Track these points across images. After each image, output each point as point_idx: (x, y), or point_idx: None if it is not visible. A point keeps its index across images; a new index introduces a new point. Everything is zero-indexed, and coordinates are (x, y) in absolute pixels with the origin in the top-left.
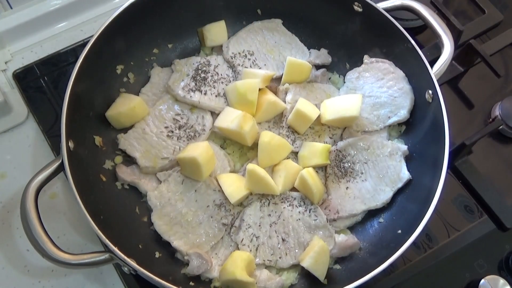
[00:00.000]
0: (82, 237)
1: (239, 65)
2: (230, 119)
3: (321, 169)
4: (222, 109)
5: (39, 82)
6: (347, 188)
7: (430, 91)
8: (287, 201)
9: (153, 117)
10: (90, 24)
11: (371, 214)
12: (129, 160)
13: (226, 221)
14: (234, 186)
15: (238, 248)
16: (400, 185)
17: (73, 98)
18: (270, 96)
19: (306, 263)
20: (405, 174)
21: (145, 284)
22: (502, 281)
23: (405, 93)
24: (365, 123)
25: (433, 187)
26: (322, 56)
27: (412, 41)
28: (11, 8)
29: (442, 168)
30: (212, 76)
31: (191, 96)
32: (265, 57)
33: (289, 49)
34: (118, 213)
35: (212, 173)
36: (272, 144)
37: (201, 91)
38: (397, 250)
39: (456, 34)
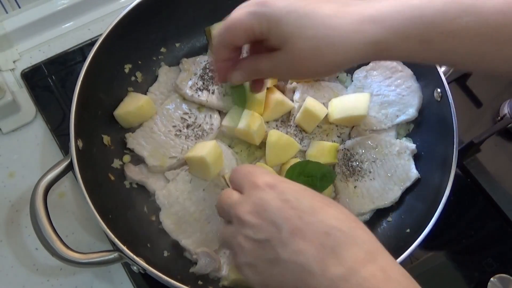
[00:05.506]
0: (91, 236)
1: None
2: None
3: None
4: (229, 108)
5: (47, 81)
6: (355, 187)
7: (438, 90)
8: None
9: (161, 116)
10: (98, 24)
11: (379, 213)
12: (137, 159)
13: None
14: None
15: None
16: (408, 184)
17: (81, 97)
18: (277, 95)
19: None
20: (414, 173)
21: (153, 282)
22: None
23: (413, 92)
24: (373, 122)
25: (442, 186)
26: None
27: None
28: (19, 7)
29: (451, 167)
30: None
31: (198, 95)
32: None
33: None
34: (127, 212)
35: (220, 172)
36: (280, 143)
37: (208, 90)
38: (406, 249)
39: None
